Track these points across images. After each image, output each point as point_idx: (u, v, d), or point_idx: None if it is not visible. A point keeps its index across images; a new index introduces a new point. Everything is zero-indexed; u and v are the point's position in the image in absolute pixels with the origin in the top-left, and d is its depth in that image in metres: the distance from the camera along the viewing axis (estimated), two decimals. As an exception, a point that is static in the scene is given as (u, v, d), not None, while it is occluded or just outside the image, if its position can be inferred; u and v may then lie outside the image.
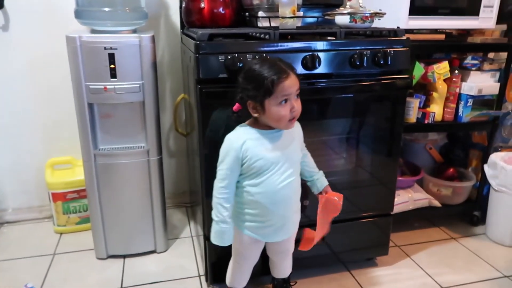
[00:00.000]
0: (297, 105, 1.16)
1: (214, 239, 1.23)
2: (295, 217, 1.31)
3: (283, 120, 1.15)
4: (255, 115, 1.17)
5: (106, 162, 1.66)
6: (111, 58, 1.53)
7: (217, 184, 1.21)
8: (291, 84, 1.12)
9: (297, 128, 1.28)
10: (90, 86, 1.55)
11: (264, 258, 1.42)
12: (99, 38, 1.52)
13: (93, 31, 1.61)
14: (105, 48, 1.51)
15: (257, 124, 1.21)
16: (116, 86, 1.56)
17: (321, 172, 1.38)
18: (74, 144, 1.75)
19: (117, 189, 1.69)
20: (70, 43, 1.51)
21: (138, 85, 1.58)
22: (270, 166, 1.18)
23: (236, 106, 1.21)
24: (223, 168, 1.20)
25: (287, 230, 1.29)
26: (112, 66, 1.53)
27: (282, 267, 1.46)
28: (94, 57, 1.52)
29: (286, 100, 1.13)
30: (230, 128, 1.26)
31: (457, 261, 1.78)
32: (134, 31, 1.65)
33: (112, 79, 1.55)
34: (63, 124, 2.00)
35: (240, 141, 1.17)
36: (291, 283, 1.53)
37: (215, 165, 1.35)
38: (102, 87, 1.55)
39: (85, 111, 1.59)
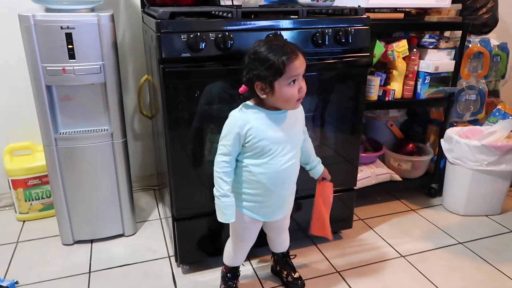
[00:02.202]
0: (304, 86, 1.17)
1: (219, 216, 1.23)
2: (292, 198, 1.35)
3: (292, 100, 1.16)
4: (263, 96, 1.16)
5: (68, 146, 1.61)
6: (69, 38, 1.47)
7: (219, 158, 1.21)
8: (300, 64, 1.13)
9: (300, 109, 1.29)
10: (48, 68, 1.49)
11: (261, 232, 1.43)
12: (54, 17, 1.46)
13: (48, 10, 1.54)
14: (61, 28, 1.46)
15: (262, 104, 1.20)
16: (75, 67, 1.51)
17: (319, 159, 1.44)
18: (33, 129, 1.69)
19: (81, 173, 1.66)
20: (23, 22, 1.44)
21: (99, 66, 1.54)
22: (273, 146, 1.19)
23: (242, 88, 1.20)
24: (225, 143, 1.20)
25: (284, 209, 1.34)
26: (70, 46, 1.48)
27: (280, 242, 1.49)
28: (50, 37, 1.46)
29: (294, 81, 1.14)
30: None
31: (416, 231, 1.88)
32: (92, 10, 1.59)
33: (70, 60, 1.50)
34: (21, 108, 1.93)
35: (244, 120, 1.18)
36: (291, 256, 1.56)
37: (181, 146, 1.35)
38: (60, 68, 1.50)
39: (43, 93, 1.54)
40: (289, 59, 1.10)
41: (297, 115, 1.27)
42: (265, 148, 1.19)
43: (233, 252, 1.40)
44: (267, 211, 1.29)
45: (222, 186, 1.21)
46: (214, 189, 1.23)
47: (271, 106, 1.20)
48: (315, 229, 1.50)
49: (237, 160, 1.24)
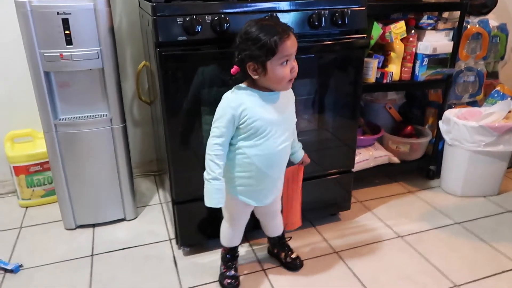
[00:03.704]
0: (296, 66, 1.17)
1: (207, 201, 1.22)
2: (281, 181, 1.36)
3: (284, 80, 1.16)
4: (255, 76, 1.16)
5: (68, 131, 1.63)
6: (65, 23, 1.47)
7: (211, 141, 1.20)
8: (292, 44, 1.13)
9: (290, 92, 1.28)
10: (45, 54, 1.50)
11: (255, 216, 1.46)
12: (50, 2, 1.46)
13: (44, -5, 1.54)
14: (58, 13, 1.46)
15: (254, 85, 1.20)
16: (72, 53, 1.51)
17: (300, 144, 1.44)
18: (34, 116, 1.70)
19: (81, 158, 1.68)
20: (20, 8, 1.44)
21: (96, 52, 1.54)
22: (267, 127, 1.19)
23: (234, 69, 1.19)
24: (218, 125, 1.19)
25: (274, 192, 1.34)
26: (67, 32, 1.48)
27: (273, 226, 1.50)
28: (47, 22, 1.46)
29: (287, 61, 1.14)
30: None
31: (414, 212, 1.90)
32: (88, -5, 1.59)
33: (68, 46, 1.50)
34: (21, 95, 1.93)
35: (238, 101, 1.17)
36: (286, 238, 1.57)
37: (179, 131, 1.35)
38: (58, 54, 1.50)
39: (41, 80, 1.54)
40: (281, 38, 1.10)
41: (289, 97, 1.28)
42: (259, 129, 1.19)
43: (228, 232, 1.42)
44: (259, 195, 1.30)
45: (213, 169, 1.19)
46: (205, 172, 1.21)
47: (263, 87, 1.19)
48: (289, 221, 1.51)
49: (230, 144, 1.24)
